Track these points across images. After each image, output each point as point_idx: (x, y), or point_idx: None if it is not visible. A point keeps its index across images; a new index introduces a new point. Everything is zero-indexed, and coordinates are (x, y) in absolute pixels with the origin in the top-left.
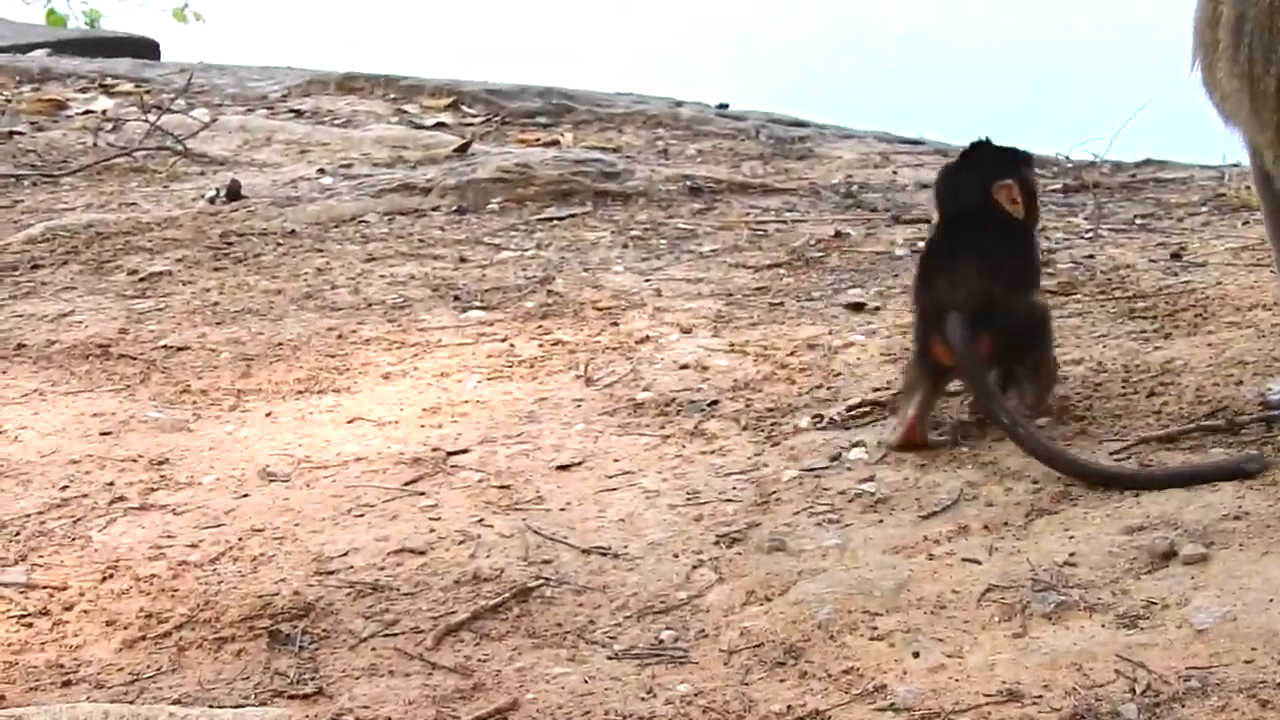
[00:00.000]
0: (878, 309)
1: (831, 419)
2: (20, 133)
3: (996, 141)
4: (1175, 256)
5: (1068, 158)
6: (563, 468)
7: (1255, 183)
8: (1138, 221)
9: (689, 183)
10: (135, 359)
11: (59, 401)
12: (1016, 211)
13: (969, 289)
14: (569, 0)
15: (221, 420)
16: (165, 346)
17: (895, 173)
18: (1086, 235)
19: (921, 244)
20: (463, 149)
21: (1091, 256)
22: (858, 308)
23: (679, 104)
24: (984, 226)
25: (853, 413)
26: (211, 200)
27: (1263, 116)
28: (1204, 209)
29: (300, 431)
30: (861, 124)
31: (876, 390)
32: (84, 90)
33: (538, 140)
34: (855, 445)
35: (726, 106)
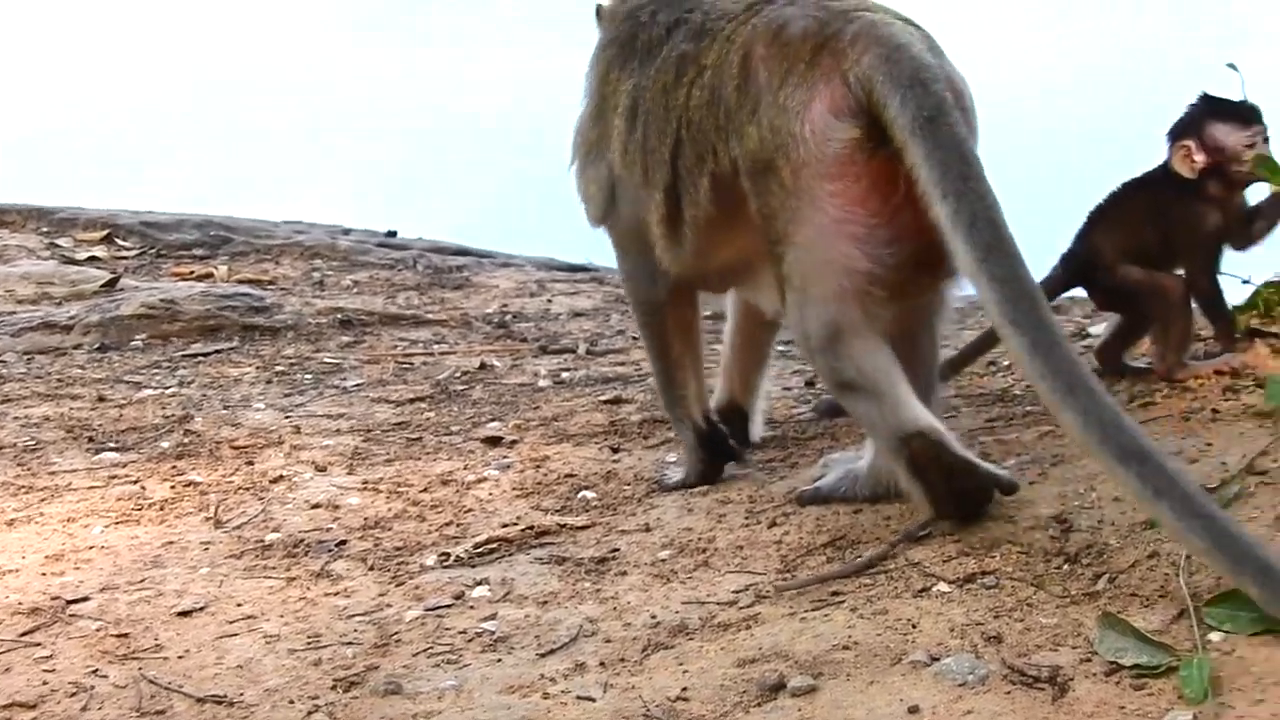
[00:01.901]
0: (514, 442)
1: (458, 557)
2: None
3: None
4: (810, 384)
5: None
6: (184, 614)
7: (632, 279)
8: (779, 348)
9: (340, 315)
10: None
11: None
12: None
13: None
14: (267, 132)
15: None
16: None
17: (550, 301)
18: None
19: (565, 374)
20: (110, 284)
21: None
22: (494, 442)
23: (345, 232)
24: None
25: (479, 550)
26: None
27: (653, 182)
28: None
29: None
30: (528, 250)
31: (505, 526)
32: None
33: (192, 273)
34: (480, 583)
35: (395, 234)
